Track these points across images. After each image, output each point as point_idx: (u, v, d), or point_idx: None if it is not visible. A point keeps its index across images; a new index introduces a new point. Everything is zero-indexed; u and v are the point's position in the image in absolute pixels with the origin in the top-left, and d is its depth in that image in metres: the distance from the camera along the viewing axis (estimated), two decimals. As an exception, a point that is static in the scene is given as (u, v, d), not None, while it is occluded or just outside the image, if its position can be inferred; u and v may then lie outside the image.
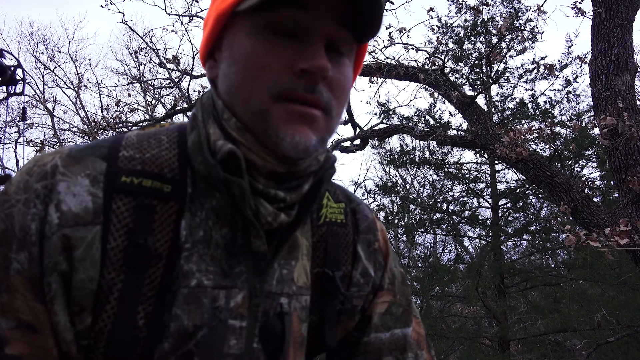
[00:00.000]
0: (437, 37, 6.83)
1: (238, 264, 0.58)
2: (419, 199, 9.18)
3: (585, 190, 4.23)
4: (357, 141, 6.48)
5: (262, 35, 0.54)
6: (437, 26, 7.08)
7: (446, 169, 8.38)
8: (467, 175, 8.34)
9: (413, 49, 5.62)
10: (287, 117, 0.54)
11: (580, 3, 4.52)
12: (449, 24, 7.23)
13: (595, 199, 5.45)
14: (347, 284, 0.70)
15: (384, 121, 7.81)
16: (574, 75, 7.34)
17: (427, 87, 5.83)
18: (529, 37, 6.67)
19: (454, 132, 7.42)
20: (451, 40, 7.35)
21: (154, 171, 0.57)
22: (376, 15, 0.55)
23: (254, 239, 0.57)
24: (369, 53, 5.54)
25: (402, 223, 8.50)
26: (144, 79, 11.29)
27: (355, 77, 0.66)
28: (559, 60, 7.29)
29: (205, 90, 0.64)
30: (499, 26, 5.60)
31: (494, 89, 7.80)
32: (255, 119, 0.55)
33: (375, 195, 8.88)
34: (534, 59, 7.73)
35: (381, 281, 0.74)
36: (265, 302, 0.60)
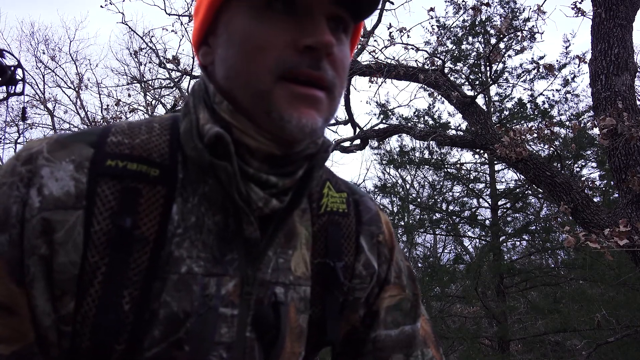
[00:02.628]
0: (437, 38, 6.84)
1: (230, 251, 0.57)
2: (418, 199, 9.17)
3: (585, 190, 4.23)
4: (357, 141, 6.48)
5: (261, 15, 0.53)
6: (437, 26, 7.09)
7: (445, 170, 8.39)
8: (467, 176, 8.35)
9: (413, 49, 5.63)
10: (291, 99, 0.53)
11: (580, 3, 4.52)
12: (446, 25, 7.24)
13: (595, 199, 5.45)
14: (349, 276, 0.68)
15: (384, 121, 7.83)
16: (572, 75, 7.35)
17: (426, 87, 5.83)
18: (528, 36, 6.67)
19: (453, 132, 7.42)
20: (449, 40, 7.36)
21: (141, 155, 0.56)
22: None
23: (246, 225, 0.56)
24: (369, 53, 5.54)
25: (402, 223, 8.50)
26: (144, 79, 11.29)
27: (350, 56, 0.65)
28: (557, 61, 7.30)
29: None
30: (499, 26, 5.60)
31: (493, 89, 7.81)
32: (256, 101, 0.54)
33: (375, 196, 8.88)
34: (532, 58, 7.75)
35: (387, 275, 0.72)
36: (259, 291, 0.59)
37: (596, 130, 3.98)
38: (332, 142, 0.64)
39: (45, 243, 0.51)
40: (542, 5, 5.29)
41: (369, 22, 7.62)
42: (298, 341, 0.62)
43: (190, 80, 8.08)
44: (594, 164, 7.33)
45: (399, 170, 9.41)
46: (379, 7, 0.57)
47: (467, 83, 7.51)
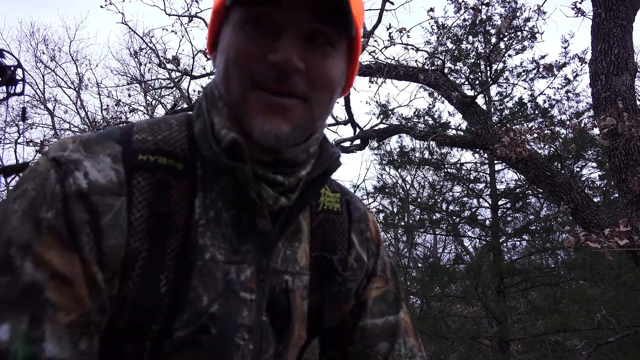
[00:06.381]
0: (438, 38, 6.83)
1: (245, 243, 0.62)
2: (418, 199, 9.17)
3: (585, 190, 4.23)
4: (357, 141, 6.48)
5: (243, 28, 0.58)
6: (438, 26, 7.08)
7: (446, 170, 8.38)
8: (467, 176, 8.34)
9: (413, 49, 5.62)
10: (259, 106, 0.57)
11: (580, 3, 4.52)
12: (446, 25, 7.23)
13: (595, 199, 5.45)
14: (342, 268, 0.74)
15: (384, 121, 7.82)
16: (574, 74, 7.34)
17: (426, 87, 5.83)
18: (528, 36, 6.67)
19: (454, 132, 7.42)
20: (449, 40, 7.35)
21: (167, 150, 0.60)
22: (340, 6, 0.55)
23: (259, 219, 0.61)
24: (369, 53, 5.54)
25: (402, 223, 8.50)
26: (144, 80, 11.28)
27: (353, 69, 0.67)
28: (556, 61, 7.29)
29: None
30: (499, 26, 5.60)
31: (493, 89, 7.80)
32: (235, 108, 0.59)
33: (375, 196, 8.88)
34: (533, 58, 7.73)
35: (374, 268, 0.79)
36: (271, 279, 0.64)
37: (596, 130, 3.98)
38: (340, 152, 0.69)
39: (94, 221, 0.53)
40: (542, 5, 5.30)
41: (369, 23, 7.61)
42: (302, 325, 0.69)
43: (190, 81, 8.07)
44: (594, 164, 7.33)
45: (399, 170, 9.40)
46: (352, 16, 0.57)
47: (467, 83, 7.51)
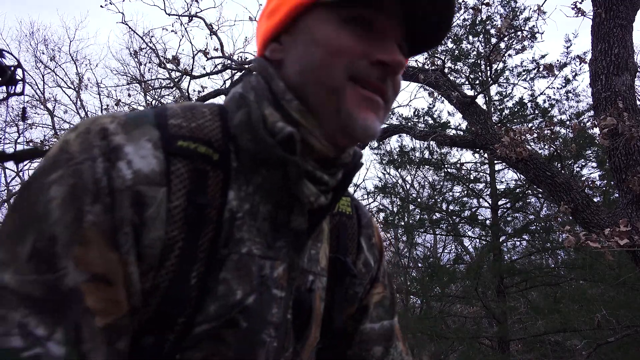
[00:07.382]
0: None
1: (279, 239, 0.61)
2: (418, 199, 9.17)
3: (586, 190, 4.23)
4: (357, 141, 6.47)
5: (345, 26, 0.59)
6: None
7: (446, 170, 8.38)
8: (467, 176, 8.34)
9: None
10: (359, 100, 0.59)
11: (580, 3, 4.52)
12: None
13: (595, 199, 5.44)
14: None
15: (384, 121, 7.80)
16: (573, 74, 7.33)
17: (427, 87, 5.83)
18: (528, 36, 6.67)
19: (453, 131, 7.41)
20: (449, 40, 7.35)
21: (203, 139, 0.59)
22: (440, 36, 0.63)
23: (296, 216, 0.61)
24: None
25: (402, 223, 8.50)
26: (144, 79, 11.28)
27: None
28: (557, 60, 7.28)
29: (243, 76, 0.68)
30: (499, 26, 5.60)
31: (493, 89, 7.80)
32: (328, 97, 0.59)
33: (375, 196, 8.88)
34: (533, 58, 7.72)
35: (377, 273, 0.81)
36: (299, 278, 0.64)
37: (596, 130, 3.98)
38: (361, 152, 0.70)
39: (137, 214, 0.51)
40: (542, 5, 5.30)
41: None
42: (318, 327, 0.69)
43: (190, 81, 8.09)
44: (594, 164, 7.33)
45: (399, 170, 9.41)
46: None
47: (467, 83, 7.51)
